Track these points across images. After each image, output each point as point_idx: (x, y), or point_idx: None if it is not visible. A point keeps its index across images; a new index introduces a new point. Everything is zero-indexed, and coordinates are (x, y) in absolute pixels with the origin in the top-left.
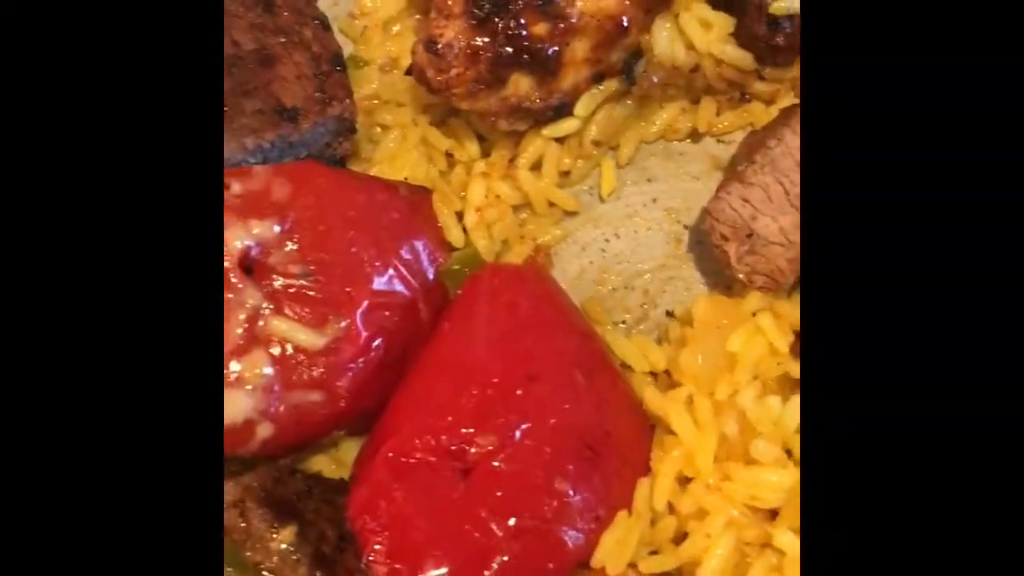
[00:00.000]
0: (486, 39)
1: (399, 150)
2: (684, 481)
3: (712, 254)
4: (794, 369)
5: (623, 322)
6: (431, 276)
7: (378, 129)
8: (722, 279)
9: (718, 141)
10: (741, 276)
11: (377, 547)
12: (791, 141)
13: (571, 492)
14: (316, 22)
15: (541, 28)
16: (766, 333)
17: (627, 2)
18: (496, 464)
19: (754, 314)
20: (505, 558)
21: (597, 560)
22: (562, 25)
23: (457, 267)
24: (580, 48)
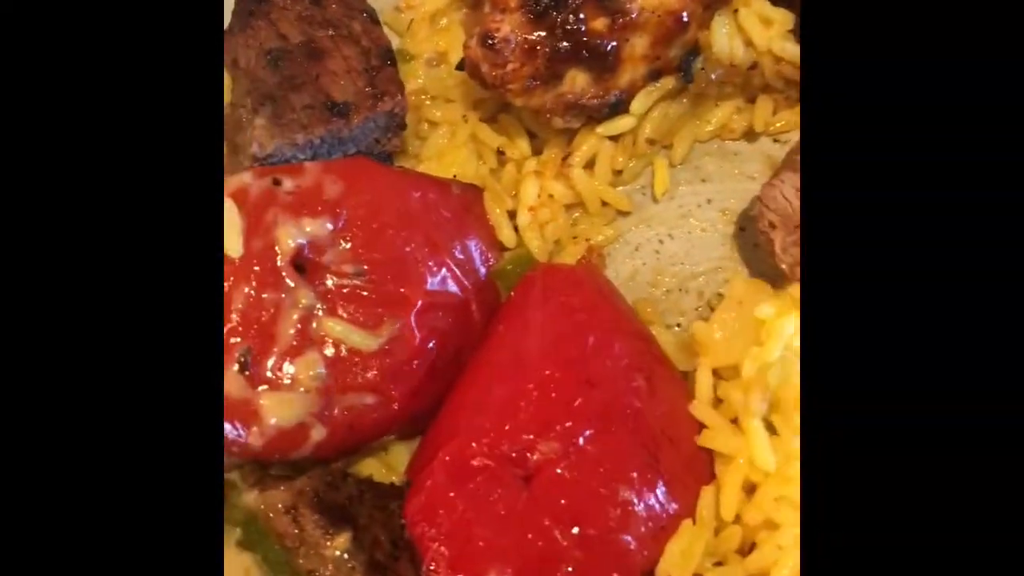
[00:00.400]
0: (543, 34)
1: (448, 147)
2: (749, 488)
3: (761, 244)
4: None
5: (677, 325)
6: (483, 276)
7: (426, 125)
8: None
9: (774, 140)
10: (783, 266)
11: (438, 556)
12: None
13: (635, 500)
14: (364, 15)
15: (600, 23)
16: None
17: None
18: (559, 471)
19: None
20: (570, 568)
21: (662, 570)
22: (622, 20)
23: (510, 267)
24: (639, 44)
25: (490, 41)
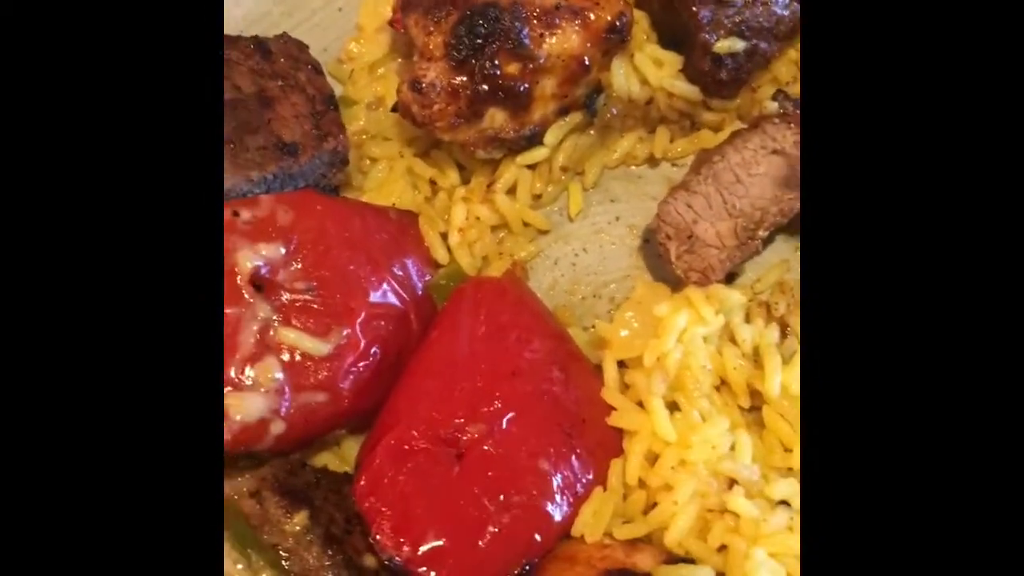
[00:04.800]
0: (464, 78)
1: (387, 179)
2: (652, 459)
3: (660, 253)
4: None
5: (592, 326)
6: (420, 290)
7: (367, 161)
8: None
9: (673, 165)
10: (679, 272)
11: (384, 523)
12: (732, 158)
13: (553, 471)
14: (309, 67)
15: (513, 68)
16: (695, 304)
17: (588, 44)
18: (486, 448)
19: None
20: (496, 529)
21: (576, 530)
22: (531, 65)
23: (443, 282)
24: (548, 85)
25: (418, 85)
